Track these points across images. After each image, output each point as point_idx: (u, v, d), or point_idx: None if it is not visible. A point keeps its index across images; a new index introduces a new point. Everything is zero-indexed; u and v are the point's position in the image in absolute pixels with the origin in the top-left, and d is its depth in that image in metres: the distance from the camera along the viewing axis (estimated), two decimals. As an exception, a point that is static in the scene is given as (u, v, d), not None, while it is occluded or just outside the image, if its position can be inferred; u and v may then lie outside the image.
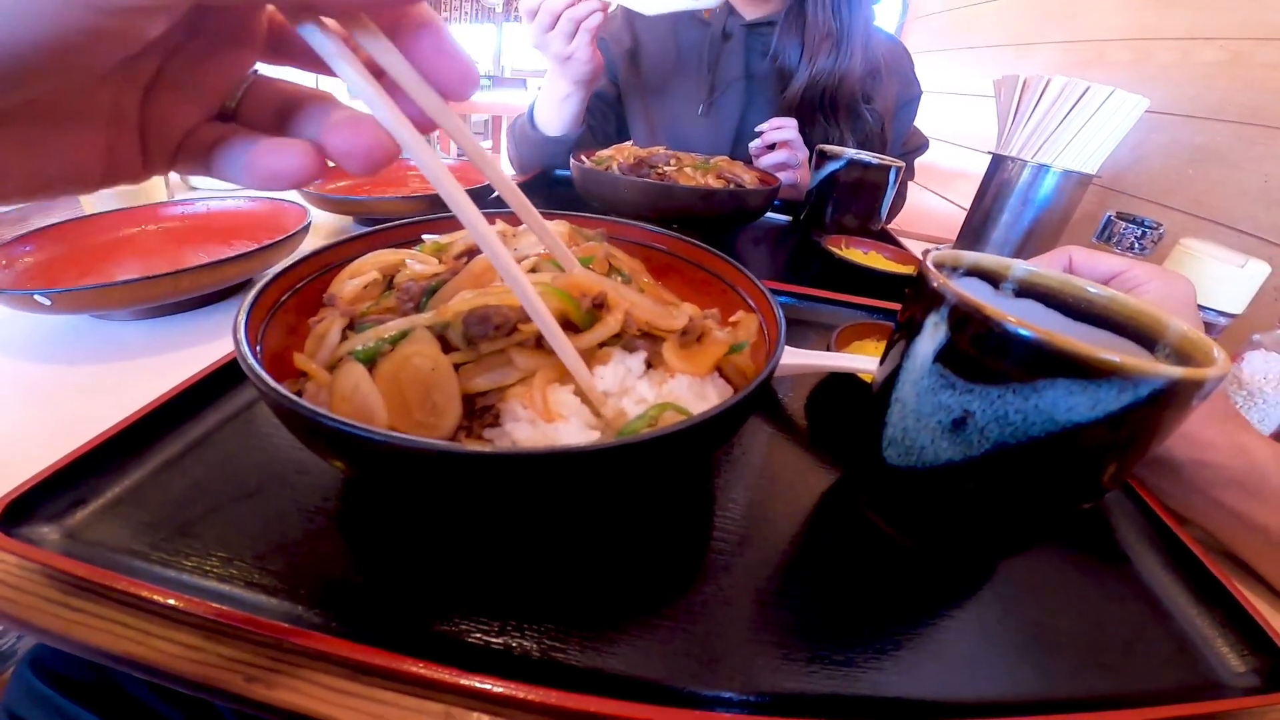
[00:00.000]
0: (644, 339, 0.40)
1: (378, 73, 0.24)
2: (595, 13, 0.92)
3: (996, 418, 0.30)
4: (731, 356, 0.41)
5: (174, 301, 0.60)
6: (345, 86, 0.23)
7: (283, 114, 0.26)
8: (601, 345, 0.38)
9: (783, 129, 1.11)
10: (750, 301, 0.47)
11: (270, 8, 0.24)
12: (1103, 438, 0.28)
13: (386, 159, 0.24)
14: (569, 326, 0.36)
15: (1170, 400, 0.27)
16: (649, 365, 0.39)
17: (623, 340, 0.39)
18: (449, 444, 0.27)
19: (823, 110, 1.19)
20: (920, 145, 1.43)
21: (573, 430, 0.34)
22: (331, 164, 0.24)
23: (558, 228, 0.48)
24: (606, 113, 1.33)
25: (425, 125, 0.26)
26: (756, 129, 1.14)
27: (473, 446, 0.27)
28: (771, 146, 1.13)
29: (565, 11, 0.91)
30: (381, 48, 0.23)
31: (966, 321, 0.30)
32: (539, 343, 0.35)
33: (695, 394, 0.38)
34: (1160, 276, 0.46)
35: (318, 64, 0.24)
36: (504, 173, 0.33)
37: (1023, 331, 0.28)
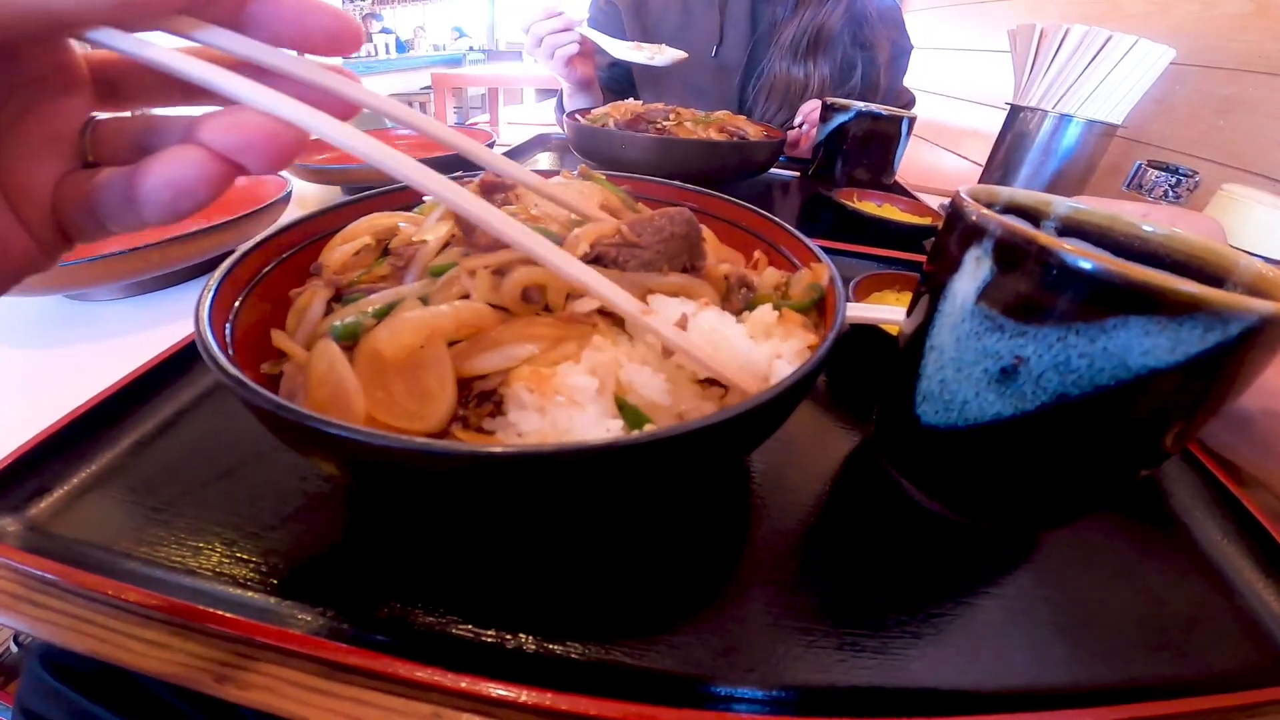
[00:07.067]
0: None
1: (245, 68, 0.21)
2: (571, 44, 1.08)
3: (1056, 364, 0.26)
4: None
5: (153, 277, 0.57)
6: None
7: (142, 143, 0.23)
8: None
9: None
10: (794, 259, 0.43)
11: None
12: (1180, 386, 0.25)
13: (294, 146, 0.21)
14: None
15: (1261, 340, 0.24)
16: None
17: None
18: (429, 442, 0.23)
19: (813, 54, 1.24)
20: (909, 102, 1.43)
21: (589, 420, 0.29)
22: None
23: (586, 189, 0.43)
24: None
25: (343, 110, 0.23)
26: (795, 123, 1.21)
27: (462, 443, 0.24)
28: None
29: (546, 38, 1.08)
30: (226, 38, 0.21)
31: (1016, 254, 0.26)
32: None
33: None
34: (1184, 218, 0.43)
35: (167, 95, 0.24)
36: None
37: (1086, 263, 0.24)
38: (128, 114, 0.24)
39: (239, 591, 0.30)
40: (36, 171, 0.22)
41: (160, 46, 0.20)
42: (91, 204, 0.22)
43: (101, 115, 0.24)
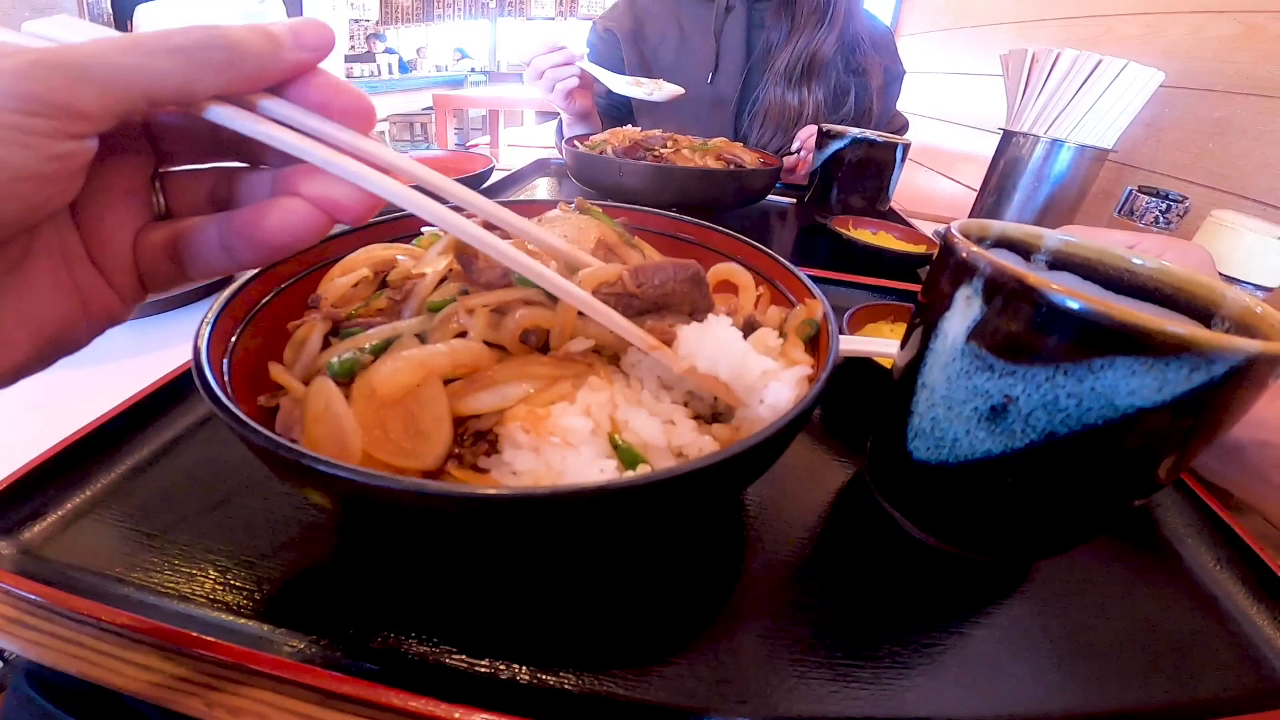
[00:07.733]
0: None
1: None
2: (571, 77, 1.10)
3: (1045, 403, 0.26)
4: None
5: (152, 302, 0.56)
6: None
7: (218, 194, 0.25)
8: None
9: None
10: (789, 294, 0.43)
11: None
12: (1168, 424, 0.25)
13: (377, 205, 0.24)
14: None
15: (1246, 379, 0.24)
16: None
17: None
18: (424, 482, 0.23)
19: (807, 81, 1.25)
20: (902, 126, 1.45)
21: (583, 461, 0.29)
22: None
23: (583, 224, 0.43)
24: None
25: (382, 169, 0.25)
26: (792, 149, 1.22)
27: (457, 485, 0.24)
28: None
29: (547, 71, 1.10)
30: (278, 107, 0.22)
31: (1006, 294, 0.27)
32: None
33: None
34: (1174, 247, 0.43)
35: (227, 154, 0.25)
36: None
37: (1074, 303, 0.24)
38: (194, 168, 0.25)
39: (232, 618, 0.30)
40: (117, 224, 0.23)
41: (250, 120, 0.22)
42: (177, 251, 0.23)
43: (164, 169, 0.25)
